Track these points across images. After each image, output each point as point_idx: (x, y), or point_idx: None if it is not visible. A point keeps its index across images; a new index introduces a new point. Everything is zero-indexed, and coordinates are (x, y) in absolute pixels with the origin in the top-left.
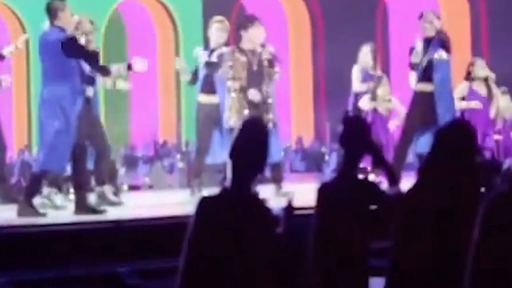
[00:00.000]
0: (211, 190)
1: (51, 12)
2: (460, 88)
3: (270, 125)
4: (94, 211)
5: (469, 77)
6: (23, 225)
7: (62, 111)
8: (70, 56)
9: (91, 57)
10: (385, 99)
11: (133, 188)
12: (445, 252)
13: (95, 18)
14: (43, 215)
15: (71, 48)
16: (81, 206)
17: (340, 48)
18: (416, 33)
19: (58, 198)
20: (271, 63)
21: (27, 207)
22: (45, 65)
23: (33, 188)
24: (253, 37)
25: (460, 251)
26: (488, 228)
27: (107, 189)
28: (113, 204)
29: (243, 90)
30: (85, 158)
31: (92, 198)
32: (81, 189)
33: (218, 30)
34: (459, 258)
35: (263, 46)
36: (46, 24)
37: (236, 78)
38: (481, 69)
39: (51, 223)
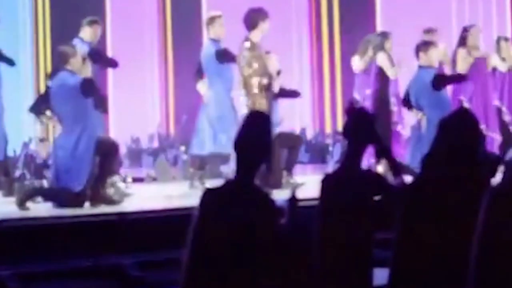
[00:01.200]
0: (214, 182)
1: (62, 57)
2: None
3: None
4: (110, 201)
5: (464, 42)
6: (27, 218)
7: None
8: (89, 96)
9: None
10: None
11: (137, 180)
12: (449, 244)
13: None
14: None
15: (90, 88)
16: (98, 197)
17: (344, 39)
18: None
19: None
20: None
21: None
22: (61, 112)
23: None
24: (265, 30)
25: (464, 243)
26: (491, 219)
27: (117, 179)
28: (122, 195)
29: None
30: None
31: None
32: (101, 182)
33: (221, 25)
34: (463, 249)
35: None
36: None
37: (257, 75)
38: (478, 36)
39: (55, 216)
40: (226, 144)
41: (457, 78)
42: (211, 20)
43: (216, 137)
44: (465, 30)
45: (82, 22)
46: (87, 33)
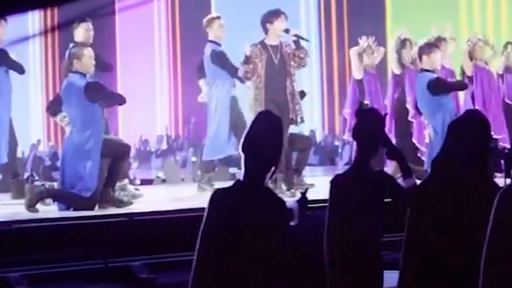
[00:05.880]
0: (223, 184)
1: (70, 58)
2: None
3: (298, 119)
4: (120, 203)
5: (472, 56)
6: (36, 219)
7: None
8: (94, 100)
9: (113, 96)
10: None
11: (146, 182)
12: (459, 245)
13: None
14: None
15: (94, 91)
16: (108, 200)
17: (354, 42)
18: None
19: None
20: (297, 46)
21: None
22: (71, 113)
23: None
24: (278, 30)
25: (475, 243)
26: (502, 218)
27: (126, 181)
28: (134, 197)
29: (263, 88)
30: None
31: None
32: (112, 185)
33: (220, 26)
34: (474, 250)
35: (286, 31)
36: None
37: (258, 76)
38: (484, 50)
39: (63, 217)
40: (234, 146)
41: (456, 86)
42: (210, 22)
43: (223, 139)
44: (472, 43)
45: (72, 27)
46: (77, 35)
